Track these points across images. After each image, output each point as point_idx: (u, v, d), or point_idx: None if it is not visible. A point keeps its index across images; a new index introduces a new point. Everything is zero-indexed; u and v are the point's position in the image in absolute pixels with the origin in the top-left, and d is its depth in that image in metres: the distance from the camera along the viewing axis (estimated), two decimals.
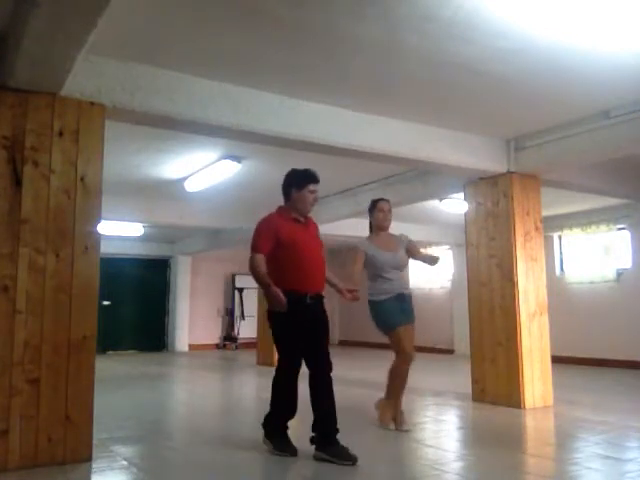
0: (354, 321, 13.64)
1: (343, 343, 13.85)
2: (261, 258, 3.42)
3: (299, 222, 3.60)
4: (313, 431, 3.41)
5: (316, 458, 3.33)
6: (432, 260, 4.33)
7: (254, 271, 3.42)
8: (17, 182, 3.27)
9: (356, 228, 9.26)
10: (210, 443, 3.87)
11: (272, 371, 3.58)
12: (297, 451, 3.41)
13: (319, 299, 3.54)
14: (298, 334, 3.43)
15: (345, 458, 3.23)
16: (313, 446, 3.38)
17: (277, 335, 3.52)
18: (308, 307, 3.44)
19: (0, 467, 3.08)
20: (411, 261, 4.50)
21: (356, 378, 7.16)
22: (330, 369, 3.47)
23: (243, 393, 7.26)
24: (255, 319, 10.54)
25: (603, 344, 8.39)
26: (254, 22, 3.20)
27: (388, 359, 4.24)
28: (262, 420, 3.58)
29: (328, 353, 3.50)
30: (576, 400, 5.48)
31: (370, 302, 4.22)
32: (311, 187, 3.58)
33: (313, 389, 3.42)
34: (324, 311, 3.56)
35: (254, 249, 3.46)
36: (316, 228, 3.75)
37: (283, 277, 3.42)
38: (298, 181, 3.59)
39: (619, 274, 8.53)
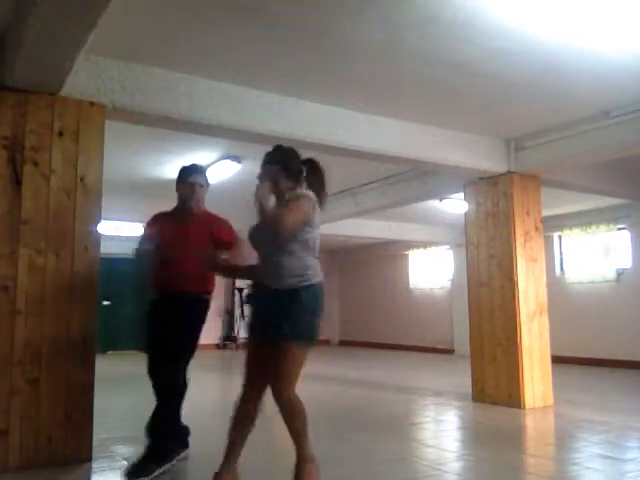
0: (353, 321, 13.65)
1: (343, 343, 13.85)
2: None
3: (178, 219, 3.48)
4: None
5: None
6: None
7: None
8: (17, 182, 3.27)
9: (356, 228, 9.31)
10: (210, 443, 3.86)
11: None
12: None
13: (176, 298, 3.30)
14: (150, 330, 3.34)
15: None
16: None
17: None
18: (160, 305, 3.34)
19: (0, 467, 3.08)
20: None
21: (356, 378, 7.16)
22: (169, 369, 3.23)
23: None
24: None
25: (603, 344, 8.39)
26: (254, 22, 3.20)
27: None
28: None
29: (173, 353, 3.23)
30: (576, 400, 5.48)
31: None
32: (189, 179, 3.50)
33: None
34: (182, 312, 3.27)
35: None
36: (210, 224, 3.54)
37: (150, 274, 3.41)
38: (179, 175, 3.55)
39: (619, 274, 8.53)
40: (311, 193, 2.76)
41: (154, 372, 3.25)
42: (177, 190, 3.57)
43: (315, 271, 2.72)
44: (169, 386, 3.25)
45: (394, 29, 3.25)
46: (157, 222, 3.57)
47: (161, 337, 3.25)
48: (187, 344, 3.33)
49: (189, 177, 3.53)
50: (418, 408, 5.46)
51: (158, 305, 3.39)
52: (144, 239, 3.43)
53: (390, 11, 3.05)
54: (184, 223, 3.47)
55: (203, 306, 3.42)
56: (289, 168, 2.82)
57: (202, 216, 3.58)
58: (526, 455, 3.71)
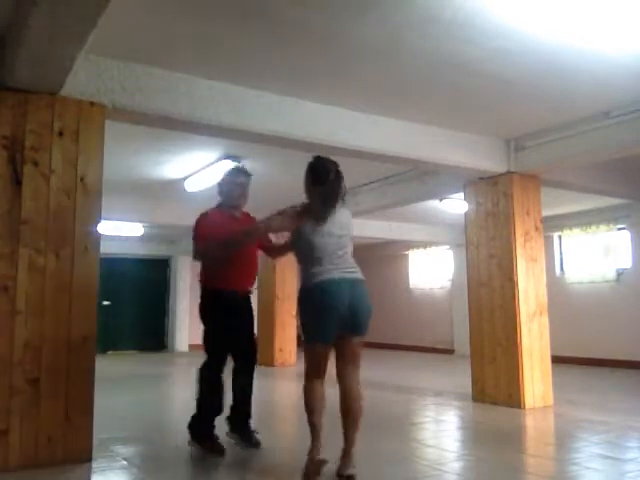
0: None
1: None
2: (204, 244, 3.53)
3: (234, 217, 3.73)
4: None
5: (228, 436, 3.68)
6: None
7: (208, 252, 3.52)
8: (17, 182, 3.27)
9: (356, 228, 9.30)
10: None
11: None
12: (224, 451, 3.47)
13: (247, 296, 3.76)
14: (221, 330, 3.60)
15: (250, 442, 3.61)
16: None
17: (205, 330, 3.67)
18: (233, 304, 3.59)
19: (0, 467, 3.07)
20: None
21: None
22: (252, 362, 3.76)
23: None
24: (255, 319, 10.52)
25: (603, 344, 8.39)
26: (255, 22, 3.20)
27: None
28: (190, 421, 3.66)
29: (252, 348, 3.81)
30: (576, 400, 5.48)
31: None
32: (240, 180, 3.79)
33: (235, 378, 3.70)
34: (250, 308, 3.84)
35: (195, 240, 3.59)
36: (252, 220, 3.77)
37: (213, 273, 3.60)
38: (230, 176, 3.83)
39: (619, 274, 8.53)
40: (289, 209, 3.12)
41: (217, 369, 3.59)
42: (224, 189, 3.81)
43: (305, 279, 3.04)
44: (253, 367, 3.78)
45: (395, 29, 3.25)
46: (216, 220, 3.69)
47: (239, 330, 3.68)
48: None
49: (240, 178, 3.81)
50: (418, 408, 5.46)
51: (227, 301, 3.58)
52: (202, 236, 3.58)
53: (390, 11, 3.05)
54: (239, 221, 3.73)
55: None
56: (309, 178, 3.15)
57: (246, 214, 3.89)
58: (526, 455, 3.71)
